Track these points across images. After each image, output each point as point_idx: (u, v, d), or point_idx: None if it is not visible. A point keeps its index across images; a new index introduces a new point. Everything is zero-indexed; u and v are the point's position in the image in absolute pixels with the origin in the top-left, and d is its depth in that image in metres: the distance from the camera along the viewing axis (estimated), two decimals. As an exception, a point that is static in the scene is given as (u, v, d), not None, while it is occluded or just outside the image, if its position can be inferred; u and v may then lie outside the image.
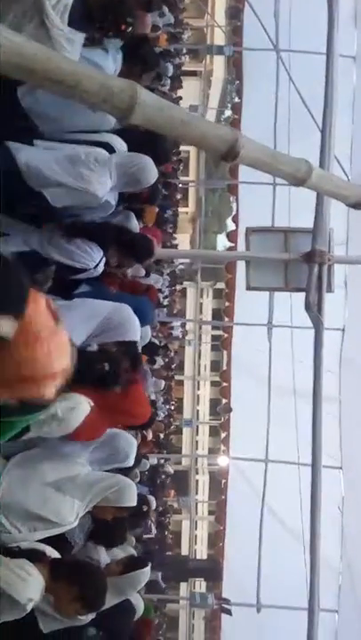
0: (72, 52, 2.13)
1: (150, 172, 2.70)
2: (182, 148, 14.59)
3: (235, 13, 8.35)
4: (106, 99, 1.33)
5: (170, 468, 9.91)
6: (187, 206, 22.38)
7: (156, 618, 8.57)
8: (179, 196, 13.73)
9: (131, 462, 2.96)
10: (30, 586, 1.85)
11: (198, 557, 15.35)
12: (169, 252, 6.07)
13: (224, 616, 10.00)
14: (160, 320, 10.61)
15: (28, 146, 2.50)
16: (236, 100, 8.14)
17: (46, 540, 2.20)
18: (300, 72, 6.24)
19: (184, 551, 18.39)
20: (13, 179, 2.41)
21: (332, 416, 8.28)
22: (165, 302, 11.92)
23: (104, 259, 2.91)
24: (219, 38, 14.42)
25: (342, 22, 4.11)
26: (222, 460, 11.82)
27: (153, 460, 10.21)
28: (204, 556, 16.13)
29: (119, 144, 2.74)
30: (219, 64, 20.04)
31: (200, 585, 12.36)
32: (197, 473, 17.93)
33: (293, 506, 6.53)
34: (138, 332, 2.85)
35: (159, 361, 9.82)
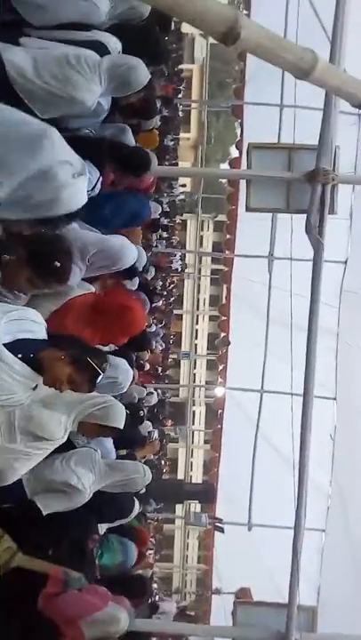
0: None
1: (141, 72, 2.51)
2: (185, 66, 13.75)
3: None
4: None
5: (153, 397, 10.09)
6: (189, 132, 21.53)
7: (147, 529, 9.11)
8: (180, 114, 12.98)
9: (124, 389, 2.99)
10: None
11: (194, 482, 16.09)
12: (168, 169, 5.85)
13: (217, 534, 10.63)
14: (159, 251, 10.46)
15: (15, 46, 2.31)
16: (244, 12, 7.56)
17: None
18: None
19: (180, 477, 19.25)
20: None
21: (329, 349, 8.36)
22: (165, 234, 11.70)
23: (101, 178, 2.80)
24: None
25: None
26: (219, 391, 12.11)
27: (150, 390, 10.44)
28: (200, 482, 16.91)
29: (113, 42, 2.54)
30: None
31: (195, 507, 13.05)
32: (194, 404, 18.44)
33: (287, 434, 6.70)
34: (131, 260, 2.76)
35: (157, 298, 9.77)
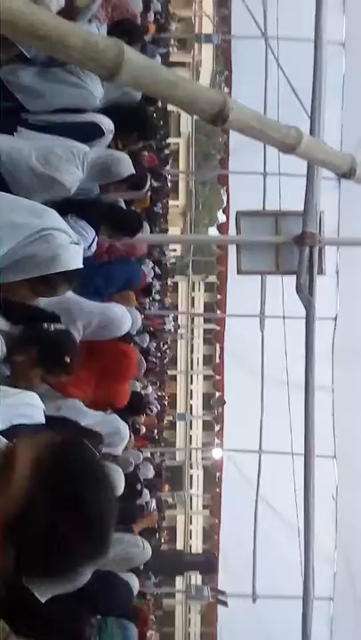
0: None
1: (124, 164, 2.67)
2: (172, 139, 14.62)
3: (223, 2, 8.33)
4: (91, 56, 1.29)
5: (149, 469, 9.61)
6: (177, 199, 22.42)
7: (147, 608, 8.56)
8: (169, 184, 13.69)
9: (124, 441, 2.95)
10: None
11: (193, 552, 15.37)
12: (160, 236, 6.05)
13: (220, 608, 10.02)
14: (152, 314, 10.58)
15: (8, 135, 2.45)
16: (226, 90, 8.11)
17: None
18: (289, 60, 6.22)
19: (179, 546, 18.41)
20: None
21: (325, 405, 8.30)
22: (157, 296, 11.89)
23: (97, 238, 2.90)
24: (207, 28, 14.35)
25: (330, 8, 4.09)
26: (216, 453, 11.83)
27: (146, 454, 10.16)
28: (200, 551, 16.14)
29: (106, 123, 2.70)
30: (207, 54, 20.02)
31: (196, 578, 12.38)
32: (191, 467, 17.96)
33: (288, 496, 6.54)
34: (127, 328, 2.82)
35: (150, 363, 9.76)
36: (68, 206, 2.68)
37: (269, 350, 8.95)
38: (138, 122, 2.85)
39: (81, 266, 1.95)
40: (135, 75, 1.33)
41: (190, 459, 15.54)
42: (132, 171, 2.71)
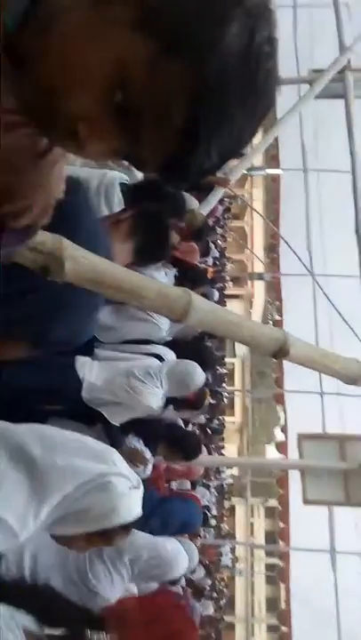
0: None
1: (198, 376, 2.83)
2: (228, 359, 15.48)
3: (272, 248, 9.65)
4: (164, 305, 1.45)
5: None
6: (233, 415, 22.49)
7: None
8: (225, 401, 13.96)
9: None
10: None
11: None
12: (217, 459, 5.90)
13: None
14: (207, 543, 9.64)
15: (90, 359, 2.67)
16: (277, 317, 8.78)
17: None
18: (338, 291, 6.79)
19: None
20: (72, 392, 2.50)
21: None
22: (213, 522, 10.99)
23: (153, 460, 2.85)
24: (258, 267, 16.38)
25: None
26: None
27: None
28: None
29: (170, 355, 2.93)
30: (259, 288, 22.39)
31: None
32: None
33: None
34: (183, 569, 2.55)
35: (208, 605, 8.43)
36: (130, 423, 2.73)
37: (345, 594, 7.64)
38: (198, 355, 3.07)
39: (140, 513, 1.83)
40: (201, 319, 1.46)
41: None
42: (204, 377, 2.84)
